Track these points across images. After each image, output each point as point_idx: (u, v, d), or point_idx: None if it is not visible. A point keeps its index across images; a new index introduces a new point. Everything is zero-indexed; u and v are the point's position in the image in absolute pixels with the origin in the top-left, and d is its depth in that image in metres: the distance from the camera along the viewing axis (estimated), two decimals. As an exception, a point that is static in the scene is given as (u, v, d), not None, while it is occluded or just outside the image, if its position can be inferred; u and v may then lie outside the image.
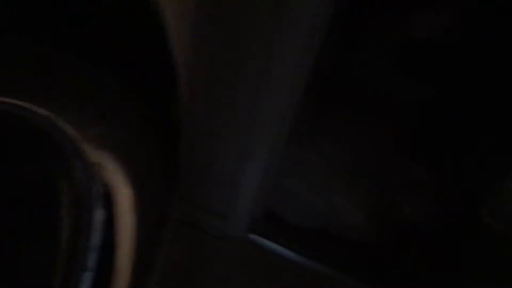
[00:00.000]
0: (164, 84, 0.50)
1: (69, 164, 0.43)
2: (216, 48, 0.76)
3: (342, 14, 1.06)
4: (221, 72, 0.79)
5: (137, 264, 0.49)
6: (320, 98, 1.10)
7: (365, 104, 1.18)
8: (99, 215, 0.45)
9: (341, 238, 1.04)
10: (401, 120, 1.19)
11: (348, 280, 1.01)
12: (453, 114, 1.22)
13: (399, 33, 1.28)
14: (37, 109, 0.40)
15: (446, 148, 1.17)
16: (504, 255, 1.02)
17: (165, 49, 0.47)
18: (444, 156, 1.16)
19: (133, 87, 0.48)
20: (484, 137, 1.19)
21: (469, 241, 1.05)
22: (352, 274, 1.01)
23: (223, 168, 0.95)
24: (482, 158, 1.16)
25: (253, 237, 1.03)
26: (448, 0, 1.30)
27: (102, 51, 0.47)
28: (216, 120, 0.86)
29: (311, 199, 1.04)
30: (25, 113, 0.40)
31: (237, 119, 0.87)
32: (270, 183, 1.02)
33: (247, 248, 1.03)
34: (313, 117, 1.06)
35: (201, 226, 1.02)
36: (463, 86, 1.25)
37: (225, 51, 0.77)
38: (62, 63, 0.40)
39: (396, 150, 1.14)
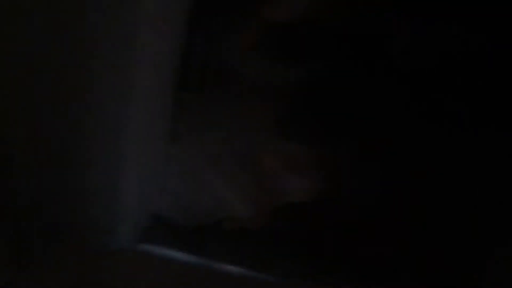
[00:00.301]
0: None
1: None
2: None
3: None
4: (65, 69, 0.72)
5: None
6: (192, 91, 1.07)
7: (238, 90, 1.16)
8: None
9: (235, 231, 1.02)
10: (276, 103, 1.19)
11: (249, 273, 0.99)
12: (326, 94, 1.25)
13: (265, 18, 1.28)
14: None
15: (323, 127, 1.19)
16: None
17: None
18: (322, 135, 1.18)
19: None
20: (358, 113, 1.23)
21: (354, 220, 1.07)
22: (252, 266, 0.99)
23: (96, 181, 0.89)
24: (357, 135, 1.19)
25: (144, 246, 0.99)
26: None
27: None
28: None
29: (198, 196, 1.01)
30: None
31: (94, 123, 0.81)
32: (154, 187, 0.97)
33: (138, 259, 0.98)
34: (187, 112, 1.03)
35: (85, 244, 0.96)
36: (332, 66, 1.28)
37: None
38: None
39: (275, 133, 1.14)
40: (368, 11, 1.33)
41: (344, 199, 1.11)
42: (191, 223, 1.01)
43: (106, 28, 0.67)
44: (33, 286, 0.91)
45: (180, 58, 0.86)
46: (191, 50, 1.07)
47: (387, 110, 1.25)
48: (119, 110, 0.78)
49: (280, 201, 1.06)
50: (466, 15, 1.29)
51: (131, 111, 0.79)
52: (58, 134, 0.79)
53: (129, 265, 0.98)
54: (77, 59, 0.72)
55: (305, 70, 1.27)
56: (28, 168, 0.86)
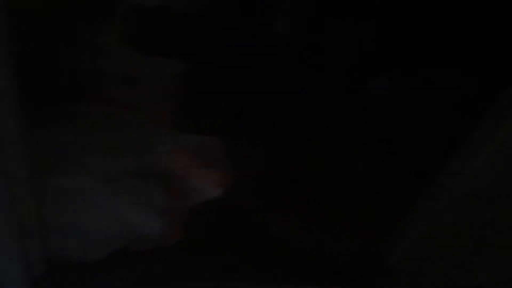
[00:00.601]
0: None
1: None
2: None
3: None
4: None
5: None
6: (62, 104, 0.93)
7: (120, 93, 1.05)
8: None
9: (147, 251, 0.92)
10: (166, 97, 1.10)
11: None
12: (211, 82, 1.18)
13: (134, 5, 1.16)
14: None
15: (221, 116, 1.13)
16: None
17: None
18: (222, 124, 1.12)
19: None
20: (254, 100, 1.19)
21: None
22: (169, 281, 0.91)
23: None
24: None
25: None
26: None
27: None
28: None
29: (98, 225, 0.89)
30: None
31: None
32: (45, 227, 0.83)
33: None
34: (63, 134, 0.88)
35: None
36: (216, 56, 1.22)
37: None
38: None
39: (174, 129, 1.05)
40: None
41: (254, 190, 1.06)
42: (96, 255, 0.88)
43: None
44: None
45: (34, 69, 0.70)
46: (54, 57, 0.91)
47: (283, 95, 1.22)
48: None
49: (193, 202, 0.97)
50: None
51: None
52: None
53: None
54: None
55: (188, 62, 1.17)
56: None
